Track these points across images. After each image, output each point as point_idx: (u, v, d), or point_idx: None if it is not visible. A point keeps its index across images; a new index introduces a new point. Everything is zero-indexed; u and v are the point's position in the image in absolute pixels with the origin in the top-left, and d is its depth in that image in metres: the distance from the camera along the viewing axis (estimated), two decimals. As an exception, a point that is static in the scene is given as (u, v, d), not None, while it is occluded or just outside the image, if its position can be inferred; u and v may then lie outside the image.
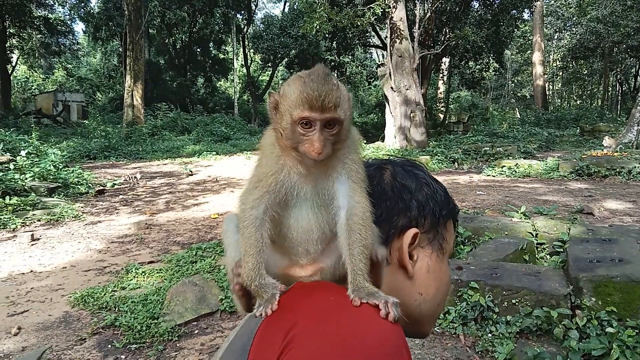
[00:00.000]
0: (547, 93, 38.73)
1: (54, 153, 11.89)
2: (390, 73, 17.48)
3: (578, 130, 22.68)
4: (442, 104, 29.75)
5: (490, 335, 3.74)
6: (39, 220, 7.88)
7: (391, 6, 16.88)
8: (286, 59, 33.51)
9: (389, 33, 17.69)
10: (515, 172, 12.16)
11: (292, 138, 0.89)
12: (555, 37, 43.79)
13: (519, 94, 49.94)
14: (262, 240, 0.91)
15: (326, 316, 0.79)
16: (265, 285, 0.89)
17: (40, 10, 34.47)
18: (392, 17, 17.12)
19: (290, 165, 0.92)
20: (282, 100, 0.89)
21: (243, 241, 0.92)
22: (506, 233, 5.57)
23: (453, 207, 1.06)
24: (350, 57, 27.62)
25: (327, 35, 21.29)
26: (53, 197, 9.46)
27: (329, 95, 0.86)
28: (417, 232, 0.97)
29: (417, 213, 0.99)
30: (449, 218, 1.05)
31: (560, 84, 51.12)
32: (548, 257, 5.10)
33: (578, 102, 46.21)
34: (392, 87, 17.49)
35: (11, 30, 32.59)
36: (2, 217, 7.56)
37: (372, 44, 27.35)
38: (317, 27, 16.56)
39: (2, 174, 8.70)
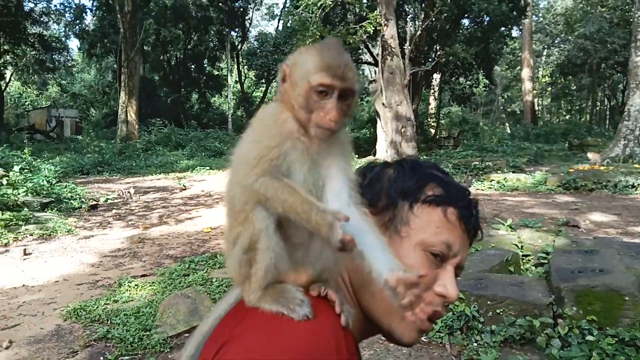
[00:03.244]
0: (537, 108, 39.29)
1: (47, 168, 11.92)
2: (381, 89, 17.73)
3: (566, 145, 22.99)
4: (433, 119, 30.08)
5: (475, 344, 3.83)
6: (32, 235, 7.91)
7: (382, 24, 17.17)
8: (279, 75, 33.74)
9: (380, 50, 17.98)
10: (504, 185, 12.33)
11: (306, 107, 0.85)
12: (544, 54, 44.63)
13: (509, 109, 50.57)
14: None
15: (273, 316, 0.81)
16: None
17: (35, 28, 34.68)
18: (383, 35, 17.41)
19: (293, 138, 0.87)
20: (295, 69, 0.87)
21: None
22: (492, 245, 5.69)
23: (428, 195, 0.98)
24: (342, 73, 27.96)
25: (319, 52, 21.62)
26: (46, 212, 9.49)
27: (348, 64, 0.85)
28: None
29: (370, 195, 0.99)
30: (416, 202, 0.98)
31: (549, 100, 51.84)
32: (533, 268, 5.22)
33: (567, 117, 46.86)
34: (383, 103, 17.72)
35: (5, 47, 32.75)
36: (-6, 232, 7.60)
37: (364, 60, 27.65)
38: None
39: (-5, 189, 8.75)
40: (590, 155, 14.94)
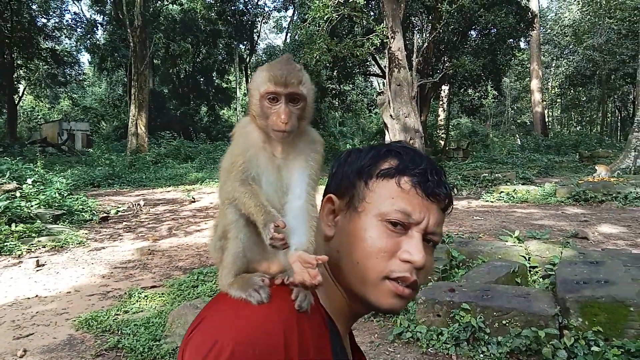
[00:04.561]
0: (547, 119, 39.16)
1: (59, 181, 12.09)
2: (389, 101, 17.79)
3: (577, 156, 22.89)
4: (442, 131, 30.09)
5: (482, 355, 3.85)
6: (44, 247, 8.03)
7: (389, 37, 17.31)
8: (288, 88, 34.07)
9: (387, 62, 18.10)
10: (513, 197, 12.31)
11: (262, 114, 0.98)
12: (553, 65, 44.54)
13: (518, 121, 50.43)
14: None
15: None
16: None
17: (47, 42, 35.37)
18: (390, 47, 17.53)
19: (258, 144, 1.00)
20: (252, 85, 1.01)
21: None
22: (499, 257, 5.71)
23: (381, 169, 1.03)
24: (351, 85, 28.11)
25: (327, 65, 21.78)
26: (58, 224, 9.62)
27: (291, 73, 0.97)
28: (329, 196, 1.08)
29: (335, 182, 1.09)
30: (370, 178, 1.04)
31: (559, 111, 51.68)
32: (540, 280, 5.22)
33: (578, 128, 46.61)
34: (391, 115, 17.78)
35: (19, 62, 33.38)
36: (8, 243, 7.73)
37: (372, 72, 27.85)
38: (317, 57, 16.97)
39: (8, 201, 8.89)
40: (597, 167, 14.84)
